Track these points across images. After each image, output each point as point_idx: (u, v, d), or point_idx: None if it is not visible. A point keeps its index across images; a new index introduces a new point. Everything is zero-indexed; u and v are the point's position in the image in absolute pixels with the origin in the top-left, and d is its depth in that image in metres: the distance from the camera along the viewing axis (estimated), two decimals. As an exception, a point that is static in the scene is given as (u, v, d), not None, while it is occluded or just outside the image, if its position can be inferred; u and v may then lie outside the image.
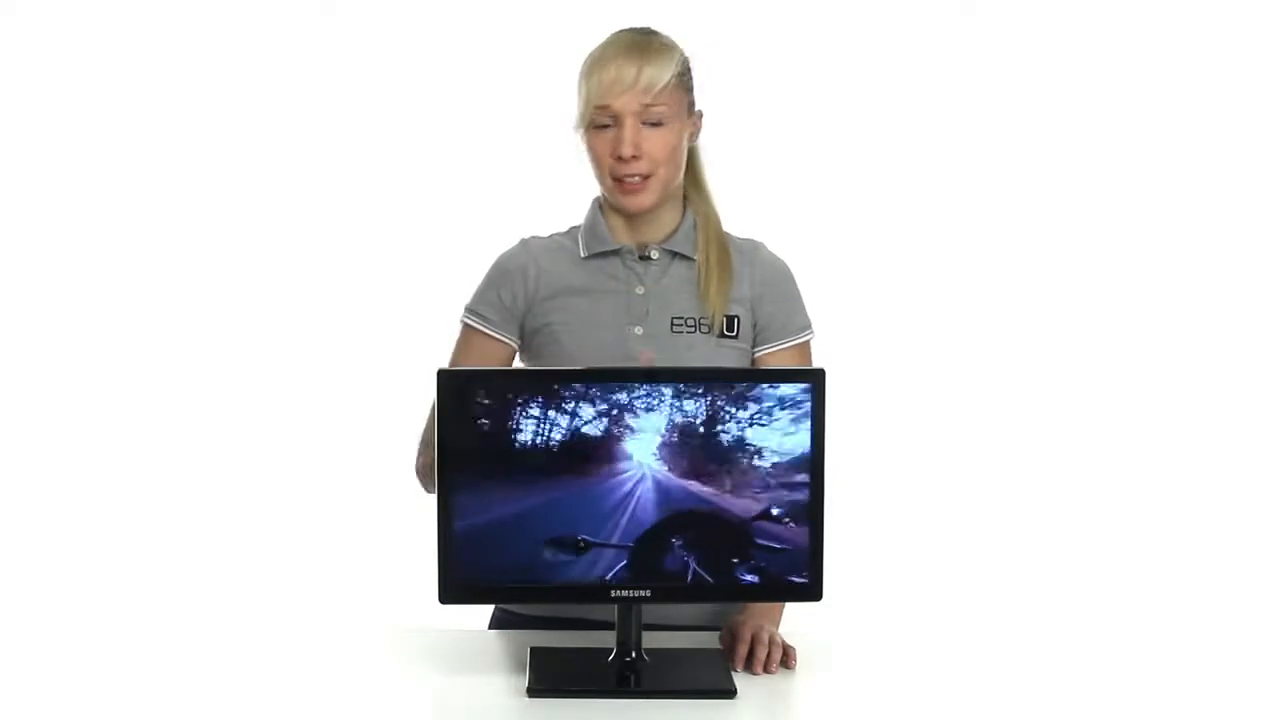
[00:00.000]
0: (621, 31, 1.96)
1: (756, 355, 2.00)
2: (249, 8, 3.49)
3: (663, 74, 1.91)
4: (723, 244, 2.01)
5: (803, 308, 2.04)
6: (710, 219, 2.03)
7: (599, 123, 1.92)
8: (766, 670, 1.77)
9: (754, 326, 2.00)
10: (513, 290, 2.00)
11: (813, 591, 1.71)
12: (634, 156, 1.90)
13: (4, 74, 3.48)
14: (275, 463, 3.54)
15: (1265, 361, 3.55)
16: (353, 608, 3.23)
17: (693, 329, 1.96)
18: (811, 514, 1.70)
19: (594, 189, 2.04)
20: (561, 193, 2.18)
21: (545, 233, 2.06)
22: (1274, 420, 3.56)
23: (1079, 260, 3.58)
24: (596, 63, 1.92)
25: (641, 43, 1.93)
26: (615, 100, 1.90)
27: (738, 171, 3.20)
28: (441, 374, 1.68)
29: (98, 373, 3.54)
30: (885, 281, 3.59)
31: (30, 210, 3.53)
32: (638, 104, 1.90)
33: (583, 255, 2.00)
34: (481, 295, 2.02)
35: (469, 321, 2.02)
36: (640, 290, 1.98)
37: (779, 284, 2.02)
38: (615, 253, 1.99)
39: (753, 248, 2.05)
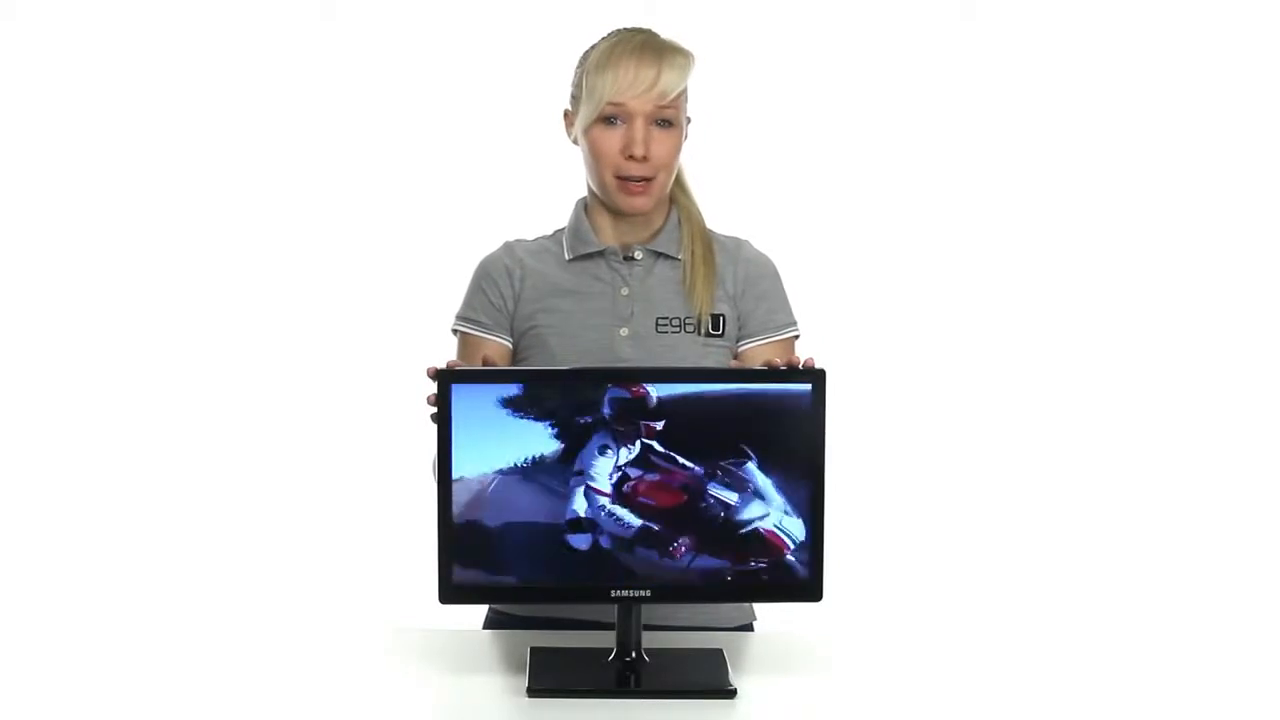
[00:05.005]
0: (631, 31, 1.96)
1: (739, 350, 2.00)
2: (248, 12, 3.50)
3: (680, 80, 1.92)
4: (707, 242, 2.01)
5: (786, 304, 2.04)
6: (694, 217, 2.03)
7: (607, 119, 1.92)
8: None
9: (738, 321, 2.00)
10: (500, 292, 2.00)
11: (813, 591, 1.71)
12: (644, 157, 1.90)
13: (4, 75, 3.49)
14: (275, 464, 3.54)
15: (1265, 361, 3.55)
16: (353, 608, 3.23)
17: (678, 329, 1.96)
18: (812, 514, 1.70)
19: (578, 191, 2.04)
20: (547, 196, 2.18)
21: (529, 236, 2.06)
22: (1274, 420, 3.56)
23: (1076, 261, 3.58)
24: (610, 59, 1.91)
25: (658, 44, 1.93)
26: (631, 100, 1.90)
27: (738, 174, 3.22)
28: (440, 375, 1.68)
29: (97, 374, 3.54)
30: (885, 282, 3.59)
31: (30, 211, 3.52)
32: (651, 105, 1.91)
33: (567, 257, 2.00)
34: (470, 300, 2.02)
35: (462, 329, 2.02)
36: (625, 291, 1.98)
37: (761, 280, 2.02)
38: (600, 254, 2.00)
39: (736, 245, 2.05)
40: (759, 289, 2.01)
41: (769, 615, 2.05)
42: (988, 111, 3.56)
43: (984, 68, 3.54)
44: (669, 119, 1.92)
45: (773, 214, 3.10)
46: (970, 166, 3.57)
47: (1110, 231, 3.57)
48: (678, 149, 1.95)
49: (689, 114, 1.99)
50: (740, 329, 2.00)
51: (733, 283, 2.00)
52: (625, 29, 1.97)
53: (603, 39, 1.97)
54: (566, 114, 2.01)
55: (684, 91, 1.94)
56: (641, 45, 1.92)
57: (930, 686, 1.76)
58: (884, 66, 3.55)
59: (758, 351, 1.99)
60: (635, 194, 1.94)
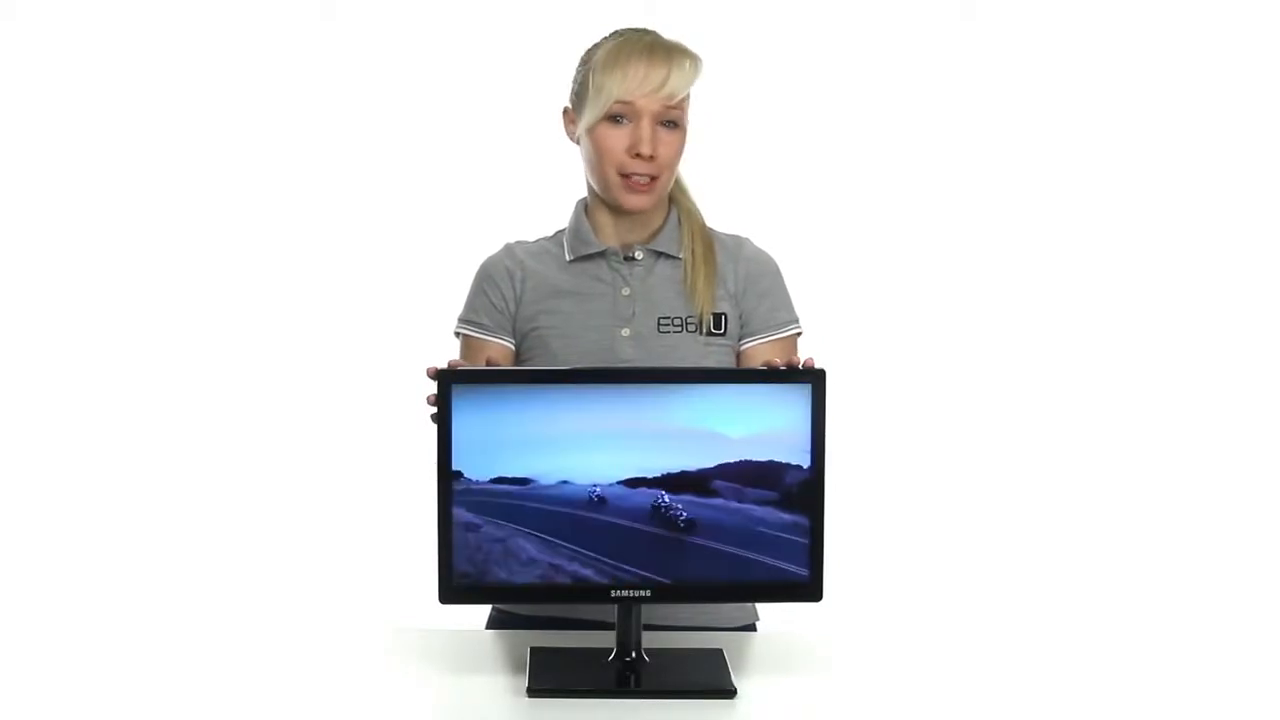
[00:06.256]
0: (637, 31, 1.96)
1: (741, 349, 2.00)
2: (248, 12, 3.50)
3: (688, 81, 1.92)
4: (707, 240, 2.01)
5: (788, 302, 2.04)
6: (694, 216, 2.03)
7: (614, 116, 1.92)
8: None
9: (740, 320, 2.00)
10: (502, 293, 2.00)
11: (813, 591, 1.71)
12: (651, 156, 1.91)
13: (4, 76, 3.49)
14: (276, 464, 3.54)
15: (1265, 362, 3.56)
16: (353, 608, 3.23)
17: (679, 329, 1.96)
18: (811, 514, 1.70)
19: (578, 192, 2.04)
20: (547, 197, 2.19)
21: (530, 237, 2.06)
22: (1274, 420, 3.56)
23: (1075, 261, 3.58)
24: (619, 59, 1.91)
25: (667, 45, 1.93)
26: (639, 99, 1.90)
27: (738, 174, 3.22)
28: (441, 375, 1.68)
29: (99, 376, 3.54)
30: (885, 282, 3.59)
31: (30, 211, 3.53)
32: (660, 105, 1.91)
33: (568, 259, 2.01)
34: (472, 303, 2.03)
35: (465, 331, 2.02)
36: (626, 291, 1.98)
37: (763, 277, 2.02)
38: (601, 254, 2.00)
39: (737, 243, 2.05)
40: (760, 287, 2.01)
41: (770, 615, 2.05)
42: (988, 111, 3.56)
43: (984, 68, 3.55)
44: (675, 120, 1.93)
45: (773, 214, 3.09)
46: (970, 166, 3.57)
47: (1110, 231, 3.57)
48: (681, 151, 1.96)
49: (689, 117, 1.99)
50: (743, 328, 2.00)
51: (734, 281, 2.00)
52: (630, 29, 1.97)
53: (606, 38, 1.97)
54: (566, 112, 2.01)
55: (689, 95, 1.95)
56: (651, 45, 1.92)
57: (930, 686, 1.76)
58: (884, 66, 3.55)
59: (760, 350, 1.99)
60: (638, 190, 1.93)
